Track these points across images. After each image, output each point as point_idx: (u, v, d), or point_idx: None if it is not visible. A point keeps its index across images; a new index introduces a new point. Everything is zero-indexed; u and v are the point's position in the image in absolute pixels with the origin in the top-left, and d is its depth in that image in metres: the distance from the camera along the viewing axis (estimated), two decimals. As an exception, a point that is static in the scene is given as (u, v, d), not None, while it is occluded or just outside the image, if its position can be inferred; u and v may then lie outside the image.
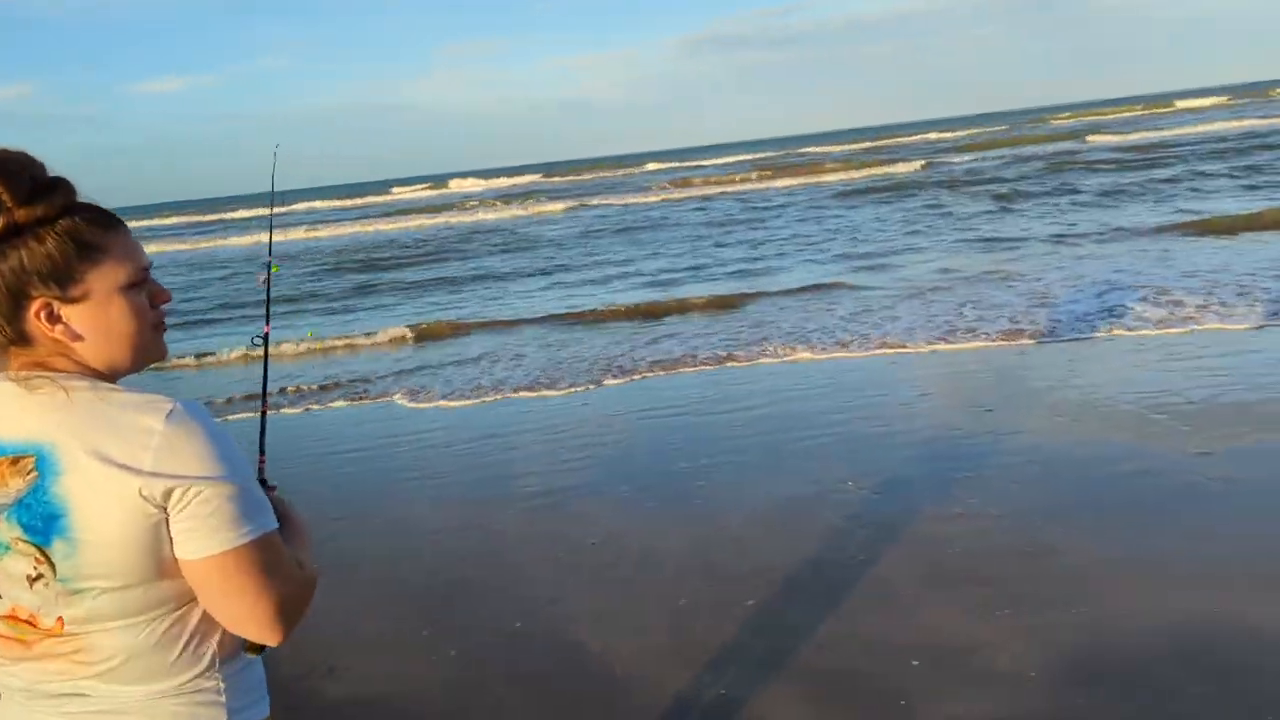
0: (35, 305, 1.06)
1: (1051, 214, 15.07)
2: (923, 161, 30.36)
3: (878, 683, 2.82)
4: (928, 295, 9.22)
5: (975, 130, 56.50)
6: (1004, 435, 4.98)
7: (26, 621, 1.09)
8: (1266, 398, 5.12)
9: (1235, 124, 31.40)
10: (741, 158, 55.15)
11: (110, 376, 1.14)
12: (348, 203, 52.47)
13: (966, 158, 31.34)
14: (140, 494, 1.03)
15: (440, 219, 30.65)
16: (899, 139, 56.89)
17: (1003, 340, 7.19)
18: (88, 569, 1.06)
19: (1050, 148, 31.30)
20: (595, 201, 30.91)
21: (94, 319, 1.10)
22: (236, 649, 1.20)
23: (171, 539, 1.07)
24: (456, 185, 60.20)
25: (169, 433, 1.05)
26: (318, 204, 52.18)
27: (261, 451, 1.75)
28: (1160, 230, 11.90)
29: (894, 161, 32.69)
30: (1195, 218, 12.42)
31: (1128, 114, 55.53)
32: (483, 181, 62.90)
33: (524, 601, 3.65)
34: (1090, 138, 33.60)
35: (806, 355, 7.41)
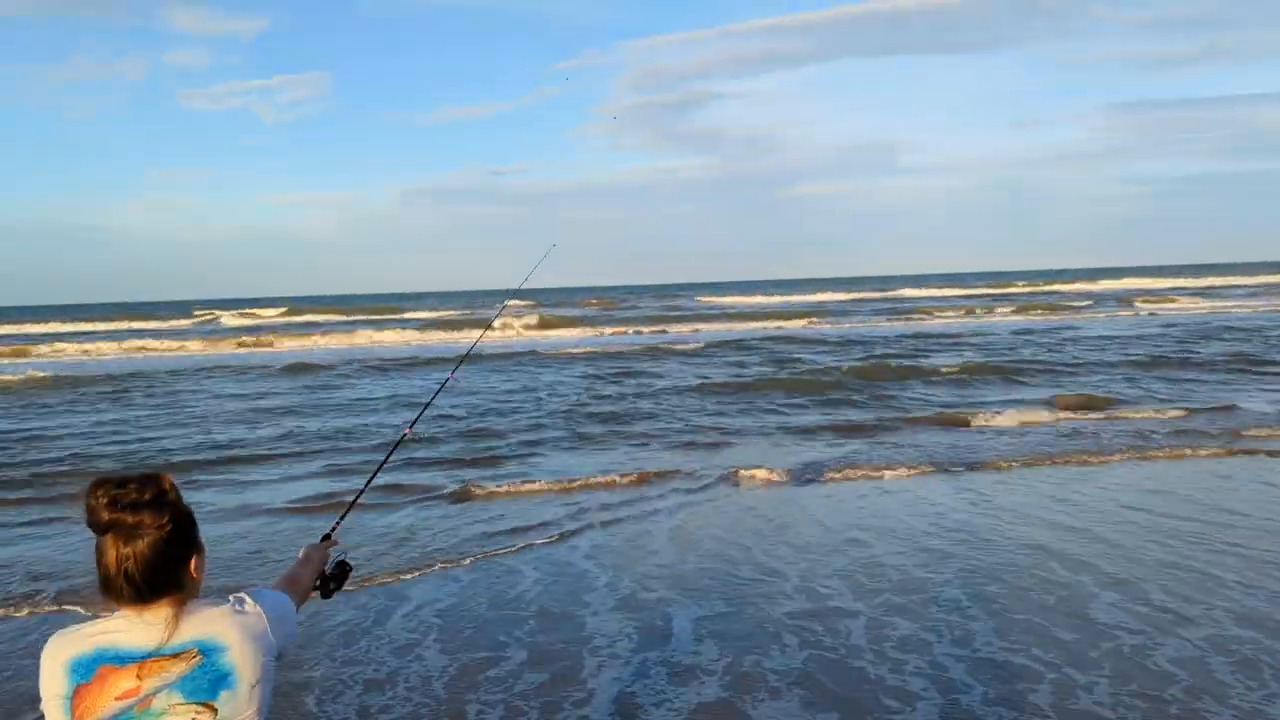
0: (194, 560, 1.75)
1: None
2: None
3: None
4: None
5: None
6: None
7: None
8: None
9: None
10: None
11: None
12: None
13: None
14: (268, 654, 1.78)
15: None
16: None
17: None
18: (242, 705, 1.71)
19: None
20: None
21: (201, 564, 1.78)
22: None
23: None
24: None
25: (264, 610, 1.80)
26: None
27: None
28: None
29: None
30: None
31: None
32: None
33: None
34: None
35: None
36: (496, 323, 37.64)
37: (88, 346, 32.75)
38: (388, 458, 3.43)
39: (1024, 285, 72.64)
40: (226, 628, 1.74)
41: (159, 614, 1.71)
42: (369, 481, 3.25)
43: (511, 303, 62.50)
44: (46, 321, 55.02)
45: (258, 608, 1.81)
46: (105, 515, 1.66)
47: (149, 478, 1.72)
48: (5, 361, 28.67)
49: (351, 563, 2.48)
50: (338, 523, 2.80)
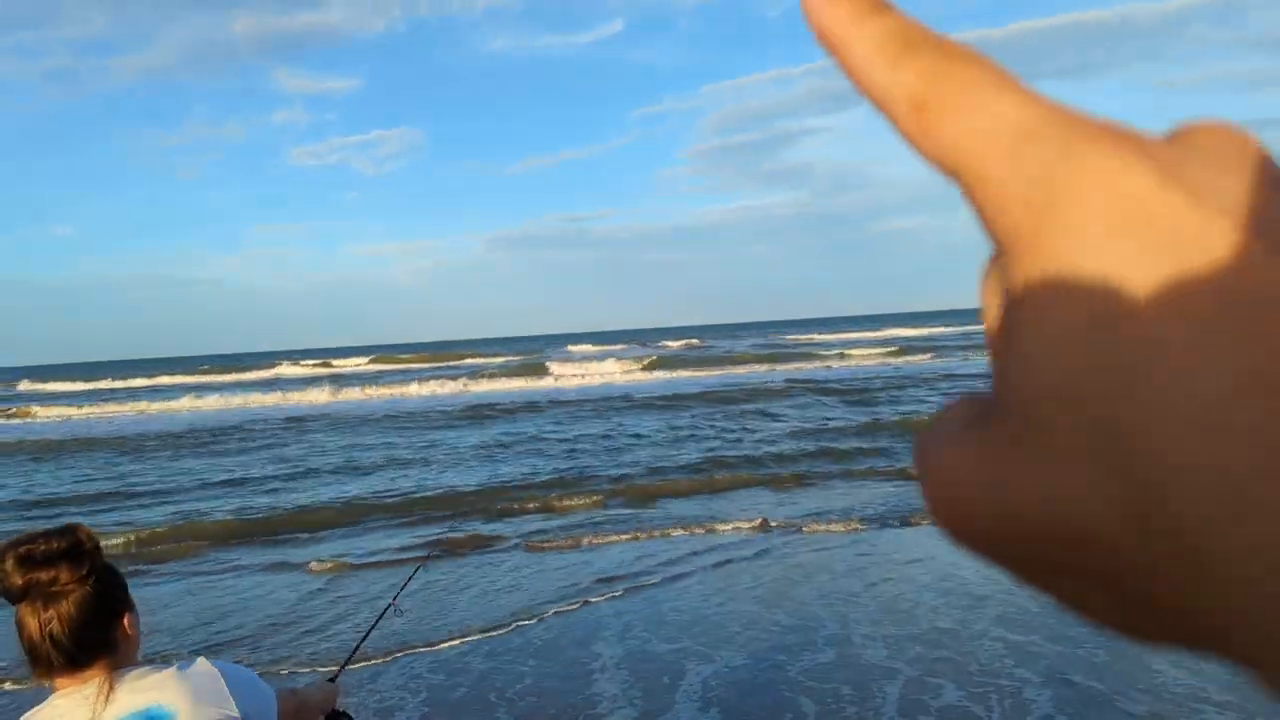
0: (127, 617, 1.61)
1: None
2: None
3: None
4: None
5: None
6: None
7: None
8: None
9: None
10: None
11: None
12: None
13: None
14: (227, 716, 1.60)
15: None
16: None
17: None
18: None
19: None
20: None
21: (135, 621, 1.64)
22: None
23: None
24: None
25: (222, 672, 1.64)
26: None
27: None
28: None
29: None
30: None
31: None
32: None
33: None
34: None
35: None
36: (575, 368, 38.27)
37: (185, 400, 34.18)
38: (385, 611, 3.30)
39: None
40: (175, 693, 1.56)
41: (93, 682, 1.56)
42: (376, 621, 3.19)
43: (586, 348, 63.18)
44: (154, 375, 58.21)
45: (212, 668, 1.64)
46: (18, 578, 1.51)
47: (63, 529, 1.58)
48: (109, 414, 30.42)
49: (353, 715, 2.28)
50: (344, 664, 2.69)
